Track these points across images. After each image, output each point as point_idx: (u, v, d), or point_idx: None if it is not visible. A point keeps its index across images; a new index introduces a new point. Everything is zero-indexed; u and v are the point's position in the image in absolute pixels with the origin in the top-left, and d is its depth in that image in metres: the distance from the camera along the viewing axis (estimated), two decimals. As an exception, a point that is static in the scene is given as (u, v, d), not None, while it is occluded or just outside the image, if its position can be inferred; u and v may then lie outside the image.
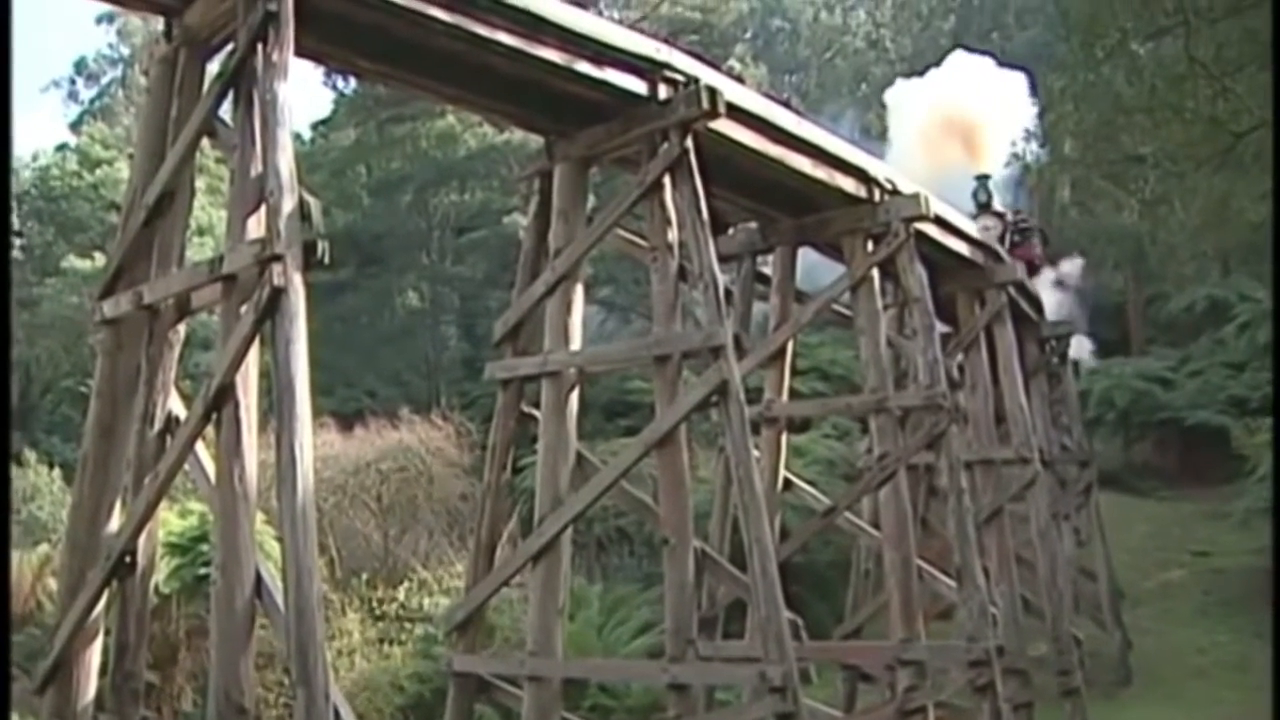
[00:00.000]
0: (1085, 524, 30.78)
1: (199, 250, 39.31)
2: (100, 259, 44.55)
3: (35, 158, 63.62)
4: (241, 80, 11.22)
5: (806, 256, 20.14)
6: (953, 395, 19.56)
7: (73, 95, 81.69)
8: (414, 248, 54.35)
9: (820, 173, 17.51)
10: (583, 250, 15.04)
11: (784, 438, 19.99)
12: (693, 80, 14.43)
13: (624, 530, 31.33)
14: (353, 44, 12.84)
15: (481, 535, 15.94)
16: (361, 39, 12.63)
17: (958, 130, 30.55)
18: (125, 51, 78.51)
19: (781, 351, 19.65)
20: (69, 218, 56.92)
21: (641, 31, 16.51)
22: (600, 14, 42.27)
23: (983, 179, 28.68)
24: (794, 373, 20.98)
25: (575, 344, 15.08)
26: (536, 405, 15.30)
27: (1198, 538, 36.56)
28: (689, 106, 14.20)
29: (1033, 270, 27.16)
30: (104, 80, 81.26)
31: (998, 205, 28.95)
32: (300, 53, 11.33)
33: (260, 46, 10.93)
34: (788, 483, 20.03)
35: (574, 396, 15.02)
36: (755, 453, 14.99)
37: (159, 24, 12.76)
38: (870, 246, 18.62)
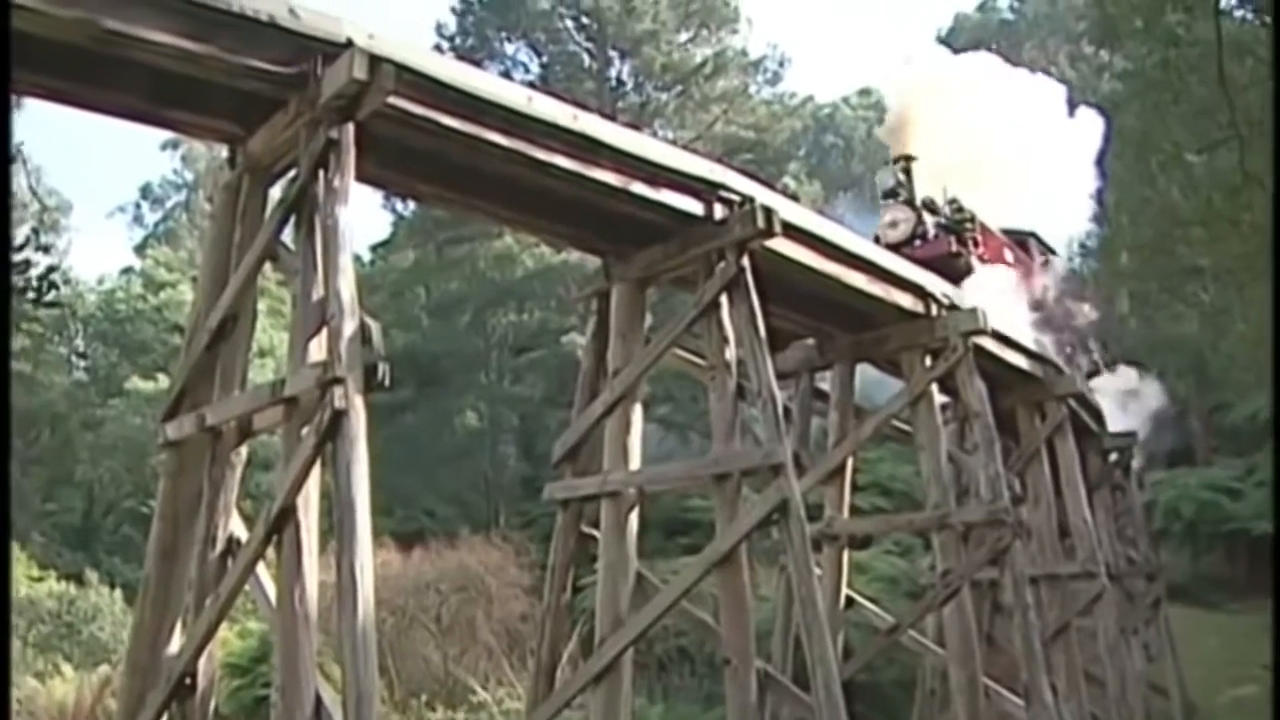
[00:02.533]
0: (1155, 638, 30.25)
1: (260, 372, 39.76)
2: (163, 380, 45.18)
3: (101, 281, 64.87)
4: (303, 206, 11.41)
5: (863, 373, 20.14)
6: (1015, 510, 19.34)
7: (138, 219, 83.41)
8: (473, 368, 54.65)
9: (877, 289, 17.58)
10: (641, 370, 15.11)
11: (846, 555, 19.89)
12: (748, 199, 14.56)
13: (685, 650, 31.02)
14: (412, 169, 13.05)
15: (542, 656, 15.84)
16: (421, 164, 12.83)
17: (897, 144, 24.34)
18: (189, 177, 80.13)
19: (841, 468, 19.62)
20: (133, 340, 57.81)
21: (696, 151, 16.68)
22: (655, 135, 42.70)
23: (901, 161, 23.13)
24: (854, 489, 20.90)
25: (634, 463, 15.11)
26: (596, 525, 15.28)
27: (1270, 651, 35.79)
28: (745, 226, 14.32)
29: (939, 270, 20.10)
30: (168, 205, 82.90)
31: (937, 197, 23.53)
32: (361, 178, 11.51)
33: (322, 173, 11.13)
34: (850, 600, 19.89)
35: (634, 516, 15.00)
36: (817, 570, 14.89)
37: (222, 150, 13.03)
38: (928, 362, 18.64)
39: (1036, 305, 24.61)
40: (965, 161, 24.46)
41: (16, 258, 6.31)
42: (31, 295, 6.33)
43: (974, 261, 22.45)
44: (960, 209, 23.02)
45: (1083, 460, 24.71)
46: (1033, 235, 27.05)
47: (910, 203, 22.34)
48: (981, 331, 18.73)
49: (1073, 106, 29.43)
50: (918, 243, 21.81)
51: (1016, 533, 19.01)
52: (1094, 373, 28.12)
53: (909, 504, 30.28)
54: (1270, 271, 12.89)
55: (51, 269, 6.91)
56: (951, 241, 22.07)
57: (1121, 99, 23.00)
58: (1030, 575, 20.22)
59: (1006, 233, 25.15)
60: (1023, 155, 25.21)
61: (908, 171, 22.64)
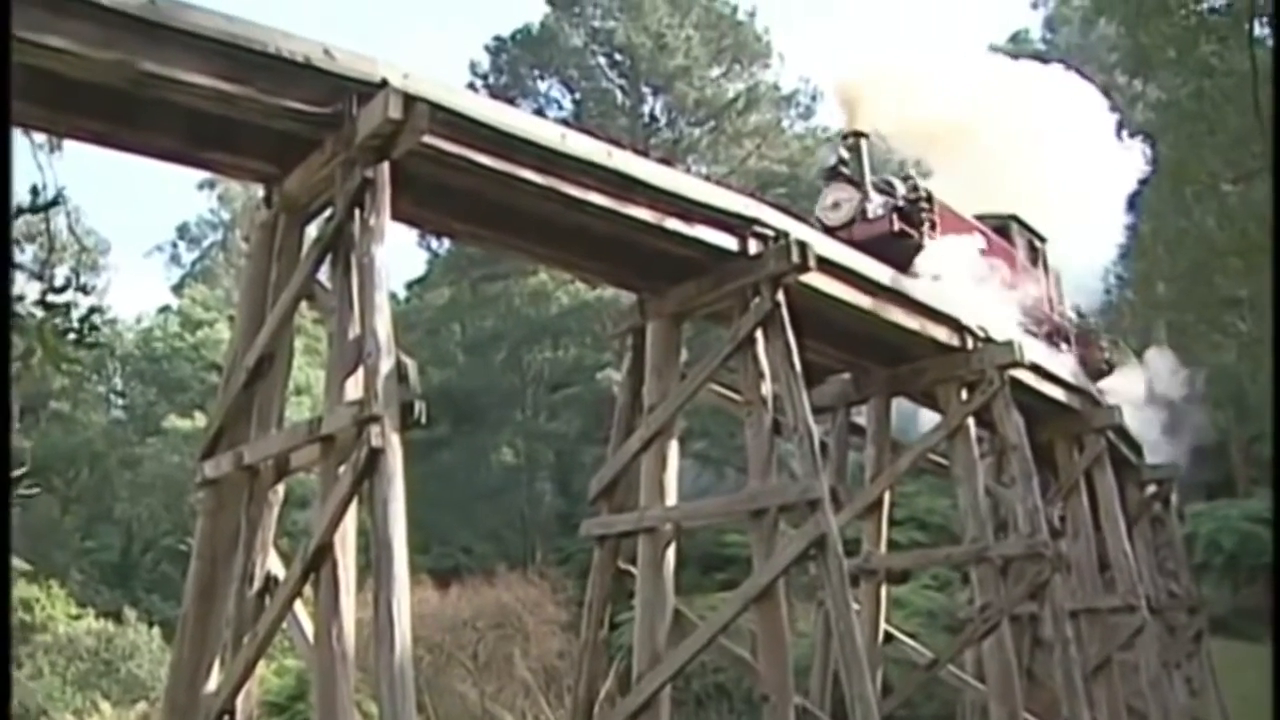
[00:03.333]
0: (1197, 672, 29.89)
1: (296, 409, 39.83)
2: (200, 418, 45.34)
3: (139, 320, 65.19)
4: (339, 244, 11.47)
5: (897, 406, 20.07)
6: (1054, 543, 19.23)
7: (175, 259, 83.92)
8: (508, 404, 54.64)
9: (913, 323, 17.56)
10: (677, 406, 15.11)
11: (884, 590, 19.76)
12: (783, 235, 14.58)
13: (723, 686, 30.90)
14: (447, 208, 13.11)
15: (579, 693, 15.83)
16: (456, 202, 12.89)
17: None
18: (225, 216, 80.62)
19: (879, 502, 19.53)
20: (170, 378, 58.09)
21: (729, 186, 16.68)
22: (688, 170, 42.66)
23: (850, 137, 20.04)
24: (892, 523, 20.80)
25: (671, 499, 15.10)
26: (633, 561, 15.26)
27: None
28: (779, 261, 14.35)
29: (878, 252, 17.58)
30: (205, 244, 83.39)
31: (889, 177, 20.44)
32: (396, 216, 11.58)
33: (358, 212, 11.19)
34: (888, 636, 19.76)
35: (670, 552, 14.98)
36: (855, 606, 14.82)
37: (259, 189, 13.12)
38: (965, 395, 18.57)
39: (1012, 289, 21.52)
40: (988, 161, 22.83)
41: (58, 299, 6.37)
42: (73, 337, 6.38)
43: (929, 245, 19.28)
44: (915, 188, 19.84)
45: (1122, 493, 24.53)
46: (1014, 219, 23.83)
47: (856, 182, 19.23)
48: (1018, 364, 18.66)
49: (1120, 130, 27.69)
50: (857, 223, 18.87)
51: (1056, 566, 18.89)
52: (1103, 372, 26.33)
53: (947, 538, 30.10)
54: (1271, 276, 12.85)
55: (93, 310, 6.95)
56: (893, 219, 18.71)
57: (1156, 129, 22.90)
58: (1070, 609, 20.10)
59: (981, 217, 22.43)
60: (1057, 166, 23.77)
61: (856, 149, 19.68)
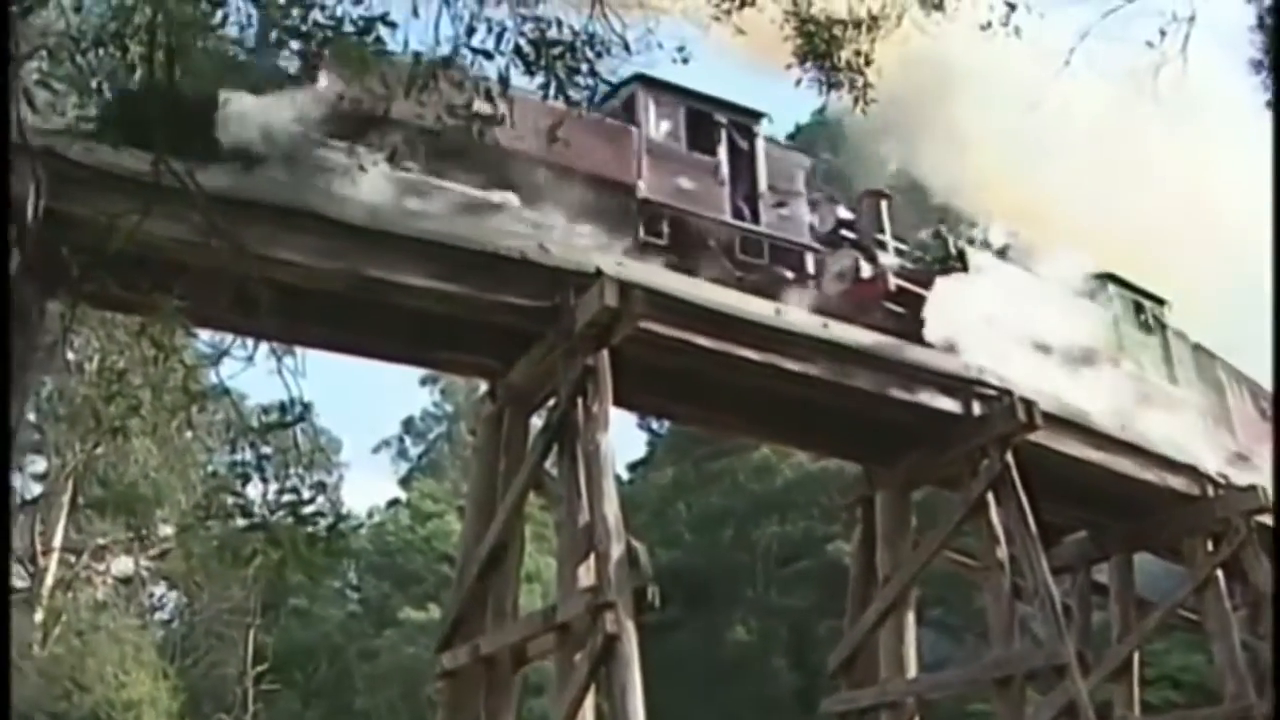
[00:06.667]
0: None
1: (527, 596, 40.07)
2: (434, 609, 45.88)
3: (370, 514, 66.55)
4: (564, 433, 11.66)
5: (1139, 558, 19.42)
6: (1324, 698, 18.25)
7: (402, 453, 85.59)
8: (739, 581, 54.17)
9: (1148, 474, 17.03)
10: (911, 576, 14.88)
11: (1140, 755, 18.96)
12: (1006, 394, 14.36)
13: None
14: (666, 390, 13.29)
15: None
16: (674, 384, 13.05)
17: None
18: (449, 409, 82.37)
19: (1128, 663, 18.82)
20: (404, 571, 58.98)
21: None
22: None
23: None
24: (1144, 684, 19.97)
25: (911, 671, 14.80)
26: (875, 737, 14.94)
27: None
28: (1006, 421, 14.15)
29: None
30: (430, 437, 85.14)
31: None
32: (616, 402, 11.72)
33: (580, 400, 11.37)
34: (1150, 804, 18.92)
35: (914, 725, 14.65)
36: (1112, 774, 14.27)
37: (481, 383, 13.45)
38: (1210, 546, 17.88)
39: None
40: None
41: (306, 510, 6.60)
42: (321, 545, 6.58)
43: None
44: None
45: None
46: (640, 78, 14.33)
47: None
48: (1264, 510, 17.92)
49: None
50: None
51: (1327, 723, 17.92)
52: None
53: (1204, 697, 28.75)
54: (1272, 276, 12.18)
55: (339, 519, 7.17)
56: None
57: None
58: (1347, 768, 18.98)
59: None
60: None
61: None
